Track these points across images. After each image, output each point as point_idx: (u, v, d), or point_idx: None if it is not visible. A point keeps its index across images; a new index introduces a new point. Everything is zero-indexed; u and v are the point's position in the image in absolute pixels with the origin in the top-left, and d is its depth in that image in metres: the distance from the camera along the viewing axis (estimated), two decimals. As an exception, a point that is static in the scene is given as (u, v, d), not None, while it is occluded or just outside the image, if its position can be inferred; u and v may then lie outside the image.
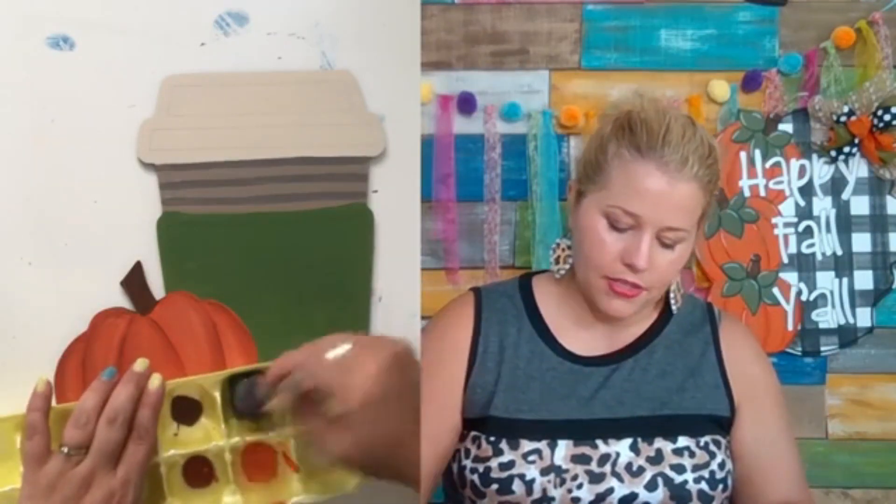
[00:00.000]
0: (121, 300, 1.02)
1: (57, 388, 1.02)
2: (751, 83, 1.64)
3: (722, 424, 1.26)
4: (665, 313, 1.31)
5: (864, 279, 1.67)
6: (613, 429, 1.22)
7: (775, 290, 1.66)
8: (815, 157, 1.66)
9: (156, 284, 1.03)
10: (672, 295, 1.29)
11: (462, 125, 1.63)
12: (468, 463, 1.23)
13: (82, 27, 0.99)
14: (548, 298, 1.31)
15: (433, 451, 1.21)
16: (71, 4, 0.99)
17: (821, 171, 1.67)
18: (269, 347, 1.05)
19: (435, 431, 1.21)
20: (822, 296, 1.67)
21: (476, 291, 1.33)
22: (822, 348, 1.67)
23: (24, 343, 1.00)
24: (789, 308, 1.66)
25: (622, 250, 1.19)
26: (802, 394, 1.67)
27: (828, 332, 1.67)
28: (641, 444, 1.21)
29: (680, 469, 1.20)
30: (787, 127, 1.66)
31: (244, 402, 1.00)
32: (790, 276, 1.67)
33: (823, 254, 1.67)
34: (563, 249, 1.30)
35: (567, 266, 1.28)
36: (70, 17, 0.99)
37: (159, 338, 1.03)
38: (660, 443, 1.22)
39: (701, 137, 1.20)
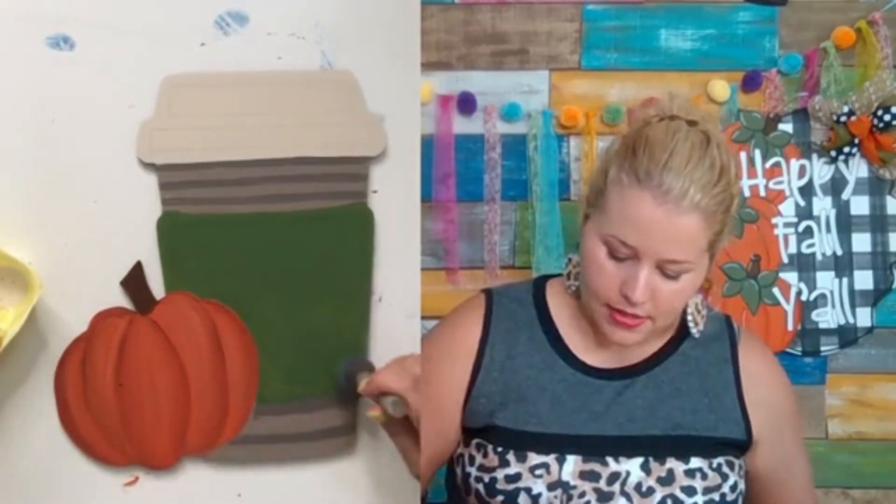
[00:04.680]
0: (121, 300, 1.02)
1: (57, 387, 1.02)
2: (751, 83, 1.64)
3: (737, 446, 1.23)
4: (682, 328, 1.25)
5: (864, 279, 1.67)
6: (625, 447, 1.19)
7: (775, 290, 1.66)
8: (815, 157, 1.66)
9: (156, 284, 1.03)
10: (691, 318, 1.23)
11: (462, 125, 1.63)
12: (473, 470, 1.22)
13: (82, 27, 0.99)
14: (561, 306, 1.27)
15: (424, 455, 1.16)
16: (71, 4, 0.99)
17: (821, 171, 1.67)
18: (269, 347, 1.05)
19: (428, 437, 1.15)
20: (822, 296, 1.67)
21: (487, 295, 1.28)
22: (822, 348, 1.67)
23: (25, 343, 1.00)
24: (789, 308, 1.66)
25: (621, 280, 1.14)
26: (802, 394, 1.67)
27: (828, 332, 1.67)
28: (653, 464, 1.18)
29: (691, 491, 1.17)
30: (786, 127, 1.66)
31: (342, 386, 1.06)
32: (790, 276, 1.67)
33: (823, 254, 1.67)
34: (575, 266, 1.25)
35: (577, 283, 1.24)
36: (70, 17, 0.99)
37: (159, 338, 1.03)
38: (671, 463, 1.18)
39: (711, 161, 1.12)
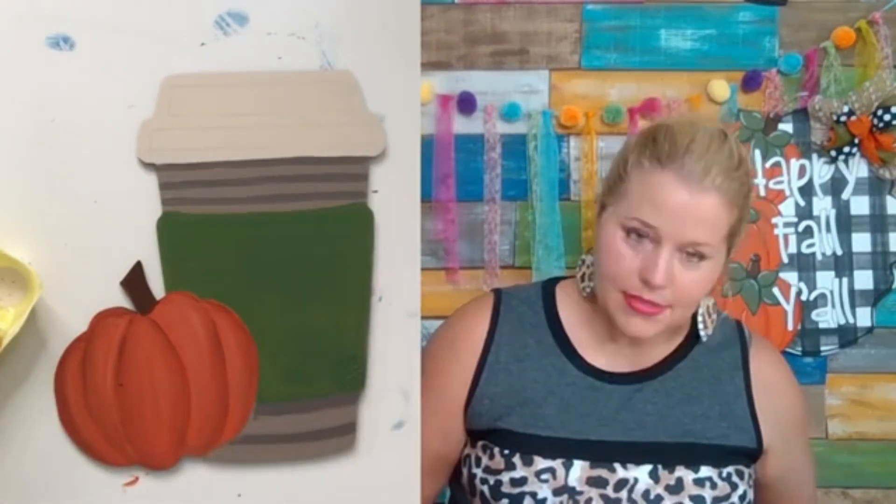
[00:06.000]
0: (121, 300, 1.02)
1: (57, 387, 1.02)
2: (751, 83, 1.64)
3: (747, 454, 1.23)
4: (693, 334, 1.25)
5: (864, 279, 1.67)
6: (633, 453, 1.18)
7: (775, 290, 1.66)
8: (815, 157, 1.66)
9: (156, 284, 1.03)
10: (701, 319, 1.23)
11: (462, 125, 1.63)
12: (479, 472, 1.21)
13: (82, 27, 0.99)
14: (571, 309, 1.26)
15: (426, 456, 1.13)
16: (71, 4, 0.99)
17: (821, 171, 1.66)
18: (269, 347, 1.05)
19: (430, 434, 1.15)
20: (822, 296, 1.67)
21: (496, 295, 1.29)
22: (822, 348, 1.67)
23: (25, 343, 1.00)
24: (789, 308, 1.66)
25: (640, 265, 1.13)
26: (802, 394, 1.67)
27: (828, 332, 1.67)
28: (662, 472, 1.18)
29: (699, 500, 1.17)
30: (787, 127, 1.66)
31: None
32: (790, 276, 1.67)
33: (823, 254, 1.67)
34: (588, 266, 1.25)
35: (592, 284, 1.24)
36: (70, 17, 0.99)
37: (159, 338, 1.02)
38: (681, 471, 1.18)
39: (730, 149, 1.14)
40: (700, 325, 1.24)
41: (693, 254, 1.13)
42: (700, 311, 1.22)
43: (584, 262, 1.26)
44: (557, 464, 1.17)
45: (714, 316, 1.25)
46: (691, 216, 1.12)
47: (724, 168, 1.13)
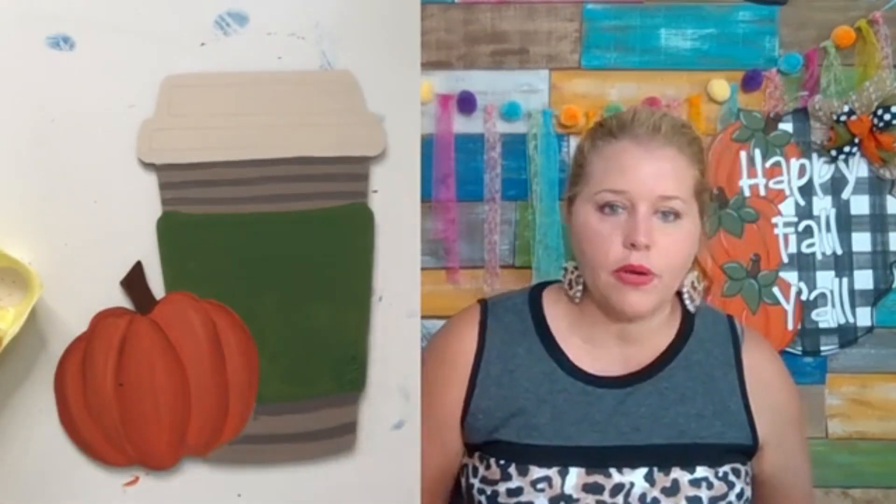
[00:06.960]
0: (121, 300, 1.02)
1: (57, 387, 1.02)
2: (751, 83, 1.64)
3: (743, 451, 1.23)
4: (683, 331, 1.26)
5: (864, 279, 1.67)
6: (628, 457, 1.18)
7: (775, 290, 1.66)
8: (815, 156, 1.66)
9: (156, 284, 1.03)
10: (687, 293, 1.24)
11: (462, 125, 1.63)
12: (476, 482, 1.21)
13: (82, 27, 0.99)
14: (559, 314, 1.26)
15: (428, 474, 1.13)
16: (71, 4, 0.99)
17: (821, 170, 1.67)
18: (269, 347, 1.05)
19: (430, 450, 1.14)
20: (822, 295, 1.67)
21: (483, 306, 1.28)
22: (822, 348, 1.67)
23: (25, 343, 1.00)
24: (789, 308, 1.66)
25: (622, 236, 1.16)
26: (802, 394, 1.65)
27: (828, 331, 1.67)
28: (657, 475, 1.18)
29: (696, 501, 1.17)
30: (787, 126, 1.66)
31: None
32: (790, 276, 1.67)
33: (823, 253, 1.67)
34: (572, 272, 1.25)
35: (581, 287, 1.24)
36: (70, 17, 0.99)
37: (159, 338, 1.02)
38: (676, 473, 1.18)
39: (673, 116, 1.24)
40: (686, 299, 1.25)
41: (668, 212, 1.17)
42: (685, 288, 1.24)
43: (566, 269, 1.26)
44: (553, 472, 1.17)
45: (700, 288, 1.27)
46: (655, 171, 1.17)
47: (672, 125, 1.20)
